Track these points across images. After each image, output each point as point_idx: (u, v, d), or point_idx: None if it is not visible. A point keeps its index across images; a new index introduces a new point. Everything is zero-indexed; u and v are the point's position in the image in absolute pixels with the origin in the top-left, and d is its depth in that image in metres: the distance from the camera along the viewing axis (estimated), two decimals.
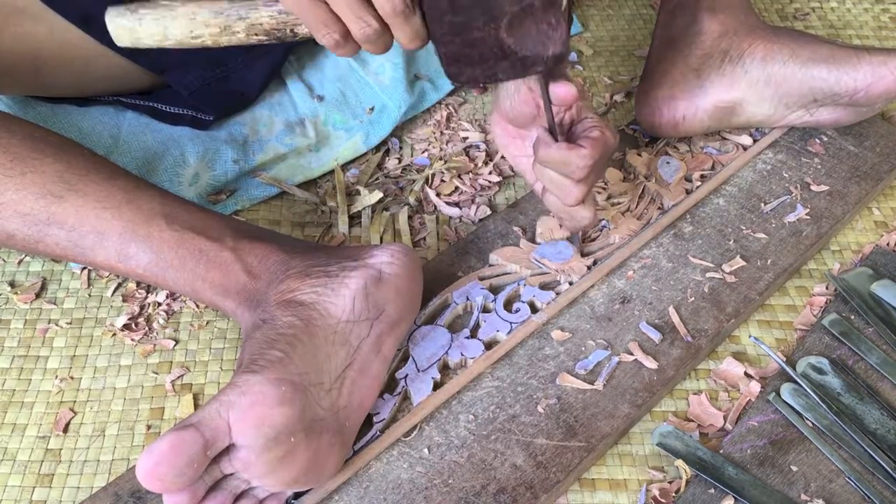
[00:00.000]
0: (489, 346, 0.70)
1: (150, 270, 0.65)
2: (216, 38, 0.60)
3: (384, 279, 0.64)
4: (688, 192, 0.83)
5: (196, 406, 0.68)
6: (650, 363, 0.69)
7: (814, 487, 0.62)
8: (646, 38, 1.08)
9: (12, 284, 0.77)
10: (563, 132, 0.67)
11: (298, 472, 0.56)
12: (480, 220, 0.84)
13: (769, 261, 0.77)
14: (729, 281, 0.75)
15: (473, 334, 0.71)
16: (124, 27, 0.60)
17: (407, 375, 0.67)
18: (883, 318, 0.73)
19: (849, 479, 0.63)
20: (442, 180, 0.88)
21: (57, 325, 0.74)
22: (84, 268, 0.78)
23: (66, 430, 0.67)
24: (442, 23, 0.56)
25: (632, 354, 0.70)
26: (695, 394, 0.70)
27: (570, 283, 0.74)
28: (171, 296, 0.76)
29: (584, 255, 0.76)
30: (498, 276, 0.75)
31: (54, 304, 0.76)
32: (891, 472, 0.63)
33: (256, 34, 0.60)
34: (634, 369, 0.69)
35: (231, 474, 0.55)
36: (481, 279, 0.74)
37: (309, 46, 0.96)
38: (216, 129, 0.86)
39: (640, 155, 0.86)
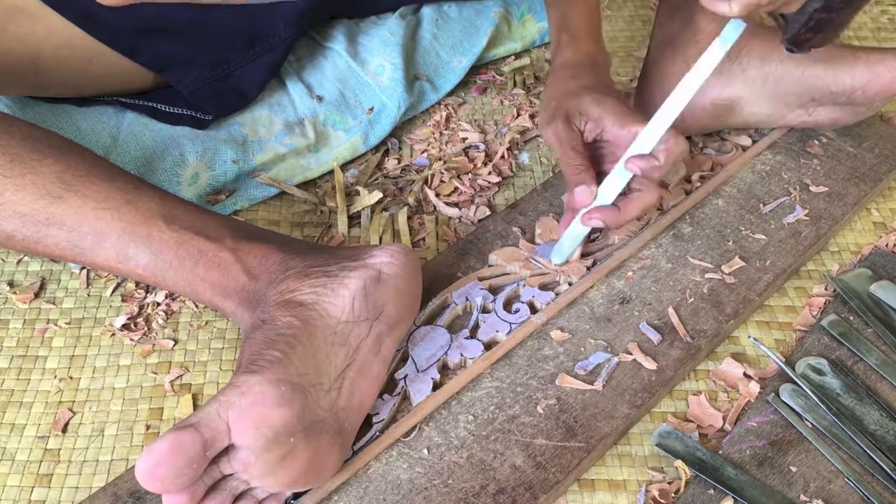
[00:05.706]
0: (488, 346, 0.70)
1: (150, 271, 0.65)
2: None
3: (384, 279, 0.63)
4: (687, 193, 0.83)
5: (195, 406, 0.68)
6: (649, 364, 0.69)
7: (813, 488, 0.62)
8: (644, 40, 1.08)
9: (11, 284, 0.77)
10: None
11: (298, 472, 0.56)
12: (480, 220, 0.84)
13: (768, 262, 0.77)
14: (728, 282, 0.75)
15: (473, 335, 0.71)
16: None
17: (406, 376, 0.67)
18: (882, 318, 0.73)
19: (848, 479, 0.63)
20: (441, 181, 0.88)
21: (56, 324, 0.74)
22: (83, 268, 0.78)
23: (64, 430, 0.67)
24: None
25: (631, 355, 0.70)
26: (694, 394, 0.70)
27: (570, 284, 0.74)
28: (171, 296, 0.76)
29: (583, 255, 0.76)
30: (497, 276, 0.75)
31: (53, 303, 0.76)
32: (890, 472, 0.63)
33: None
34: (634, 370, 0.69)
35: (230, 475, 0.55)
36: (481, 279, 0.74)
37: (309, 47, 0.96)
38: (215, 129, 0.86)
39: None
